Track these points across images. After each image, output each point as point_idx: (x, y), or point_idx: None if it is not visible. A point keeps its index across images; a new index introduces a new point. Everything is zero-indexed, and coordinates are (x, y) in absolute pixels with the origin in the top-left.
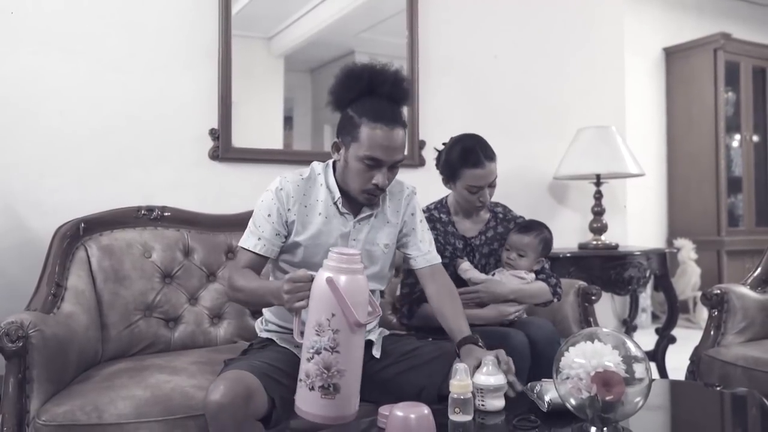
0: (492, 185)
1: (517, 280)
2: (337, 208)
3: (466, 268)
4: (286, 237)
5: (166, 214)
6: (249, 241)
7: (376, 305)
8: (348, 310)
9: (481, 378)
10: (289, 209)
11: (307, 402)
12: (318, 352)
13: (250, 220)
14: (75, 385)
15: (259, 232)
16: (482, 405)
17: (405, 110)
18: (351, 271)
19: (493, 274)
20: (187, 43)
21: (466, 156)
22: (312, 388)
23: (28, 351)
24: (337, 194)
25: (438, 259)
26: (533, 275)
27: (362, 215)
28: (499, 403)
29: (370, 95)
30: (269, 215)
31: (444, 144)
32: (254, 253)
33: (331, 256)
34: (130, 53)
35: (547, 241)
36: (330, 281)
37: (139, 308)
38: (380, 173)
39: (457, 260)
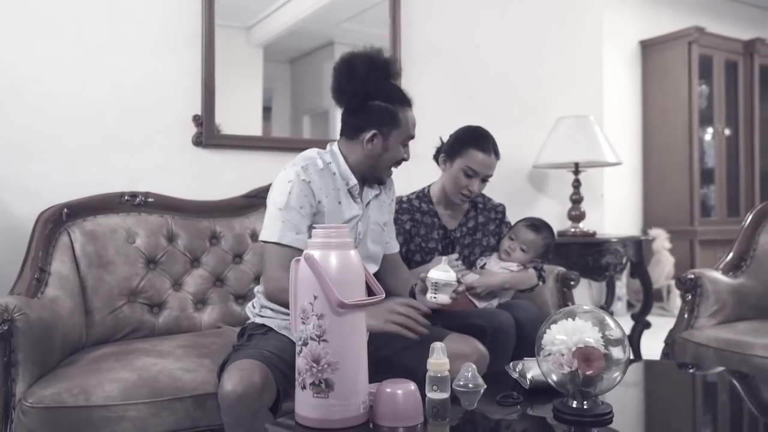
0: (484, 180)
1: (506, 271)
2: (351, 194)
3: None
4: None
5: (149, 200)
6: (288, 236)
7: (377, 286)
8: (328, 289)
9: (435, 273)
10: (320, 201)
11: (302, 404)
12: (305, 344)
13: (277, 211)
14: (61, 369)
15: (295, 226)
16: (434, 298)
17: None
18: (335, 246)
19: (483, 265)
20: (171, 29)
21: (478, 138)
22: (304, 387)
23: (13, 334)
24: (353, 181)
25: (398, 247)
26: (521, 267)
27: (368, 198)
28: (447, 297)
29: (387, 80)
30: (301, 207)
31: (451, 135)
32: (294, 248)
33: (315, 233)
34: (114, 37)
35: (549, 247)
36: (308, 257)
37: (123, 293)
38: (407, 147)
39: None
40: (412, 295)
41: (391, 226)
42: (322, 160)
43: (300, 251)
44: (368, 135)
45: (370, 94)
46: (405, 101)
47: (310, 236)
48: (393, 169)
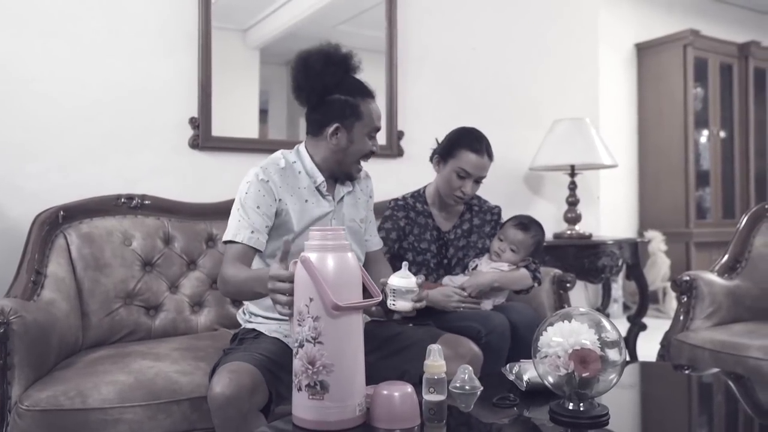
0: (478, 181)
1: (496, 271)
2: (320, 192)
3: (447, 282)
4: (270, 228)
5: (146, 202)
6: (241, 233)
7: (374, 288)
8: (323, 291)
9: (395, 280)
10: (280, 199)
11: (298, 405)
12: (301, 345)
13: (236, 211)
14: (57, 372)
15: (251, 224)
16: (393, 305)
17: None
18: (332, 248)
19: (475, 267)
20: (168, 31)
21: (470, 139)
22: (300, 389)
23: (9, 337)
24: (320, 178)
25: (380, 245)
26: (514, 267)
27: (340, 195)
28: (408, 305)
29: (345, 74)
30: (258, 207)
31: (445, 137)
32: (247, 245)
33: (312, 236)
34: (110, 37)
35: (540, 244)
36: (304, 260)
37: (120, 296)
38: (375, 140)
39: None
40: (385, 297)
41: (371, 223)
42: (285, 160)
43: (255, 250)
44: (331, 129)
45: (328, 88)
46: (367, 93)
47: (269, 233)
48: (362, 162)
